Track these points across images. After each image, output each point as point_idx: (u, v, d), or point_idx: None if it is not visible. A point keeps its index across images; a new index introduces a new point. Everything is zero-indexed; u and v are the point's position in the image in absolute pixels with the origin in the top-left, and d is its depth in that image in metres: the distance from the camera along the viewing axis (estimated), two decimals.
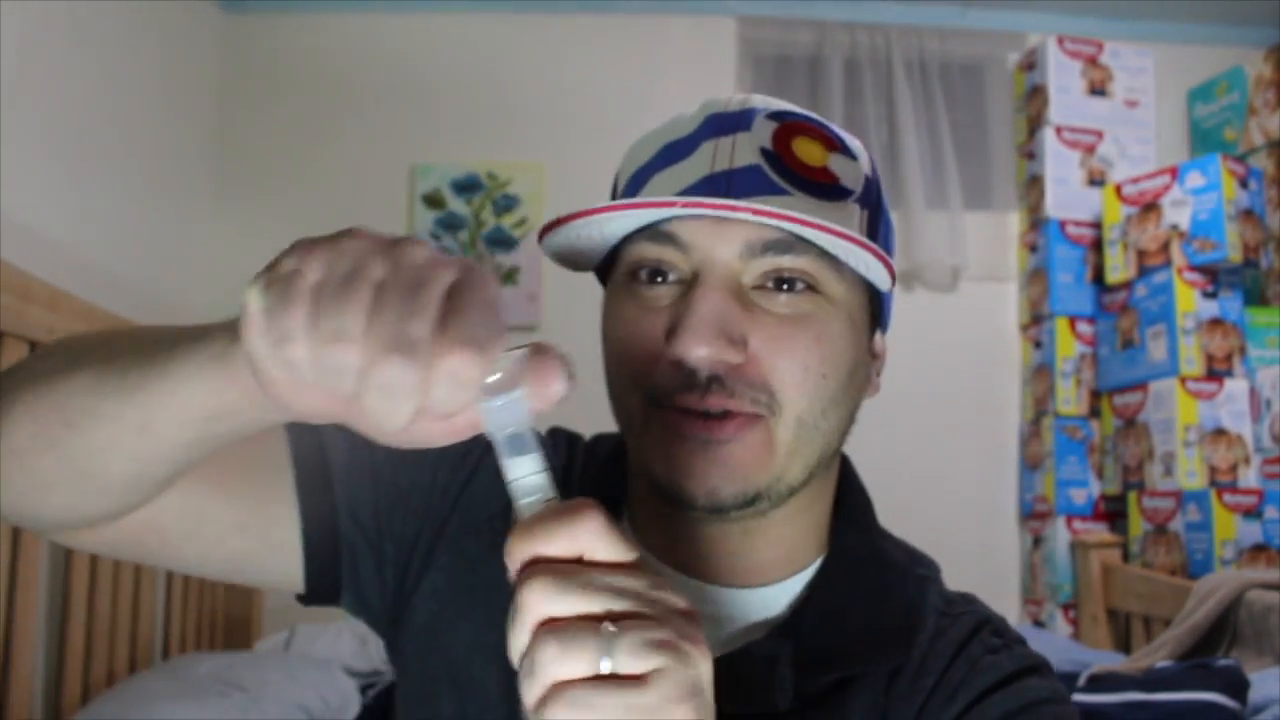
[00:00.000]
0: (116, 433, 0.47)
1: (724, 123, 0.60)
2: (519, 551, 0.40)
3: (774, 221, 0.54)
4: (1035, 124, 2.71)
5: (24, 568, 1.44)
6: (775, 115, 0.61)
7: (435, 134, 2.71)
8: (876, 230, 0.62)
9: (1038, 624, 2.56)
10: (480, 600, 0.63)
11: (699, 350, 0.54)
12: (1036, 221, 2.68)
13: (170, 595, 1.98)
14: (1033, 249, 2.70)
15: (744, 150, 0.58)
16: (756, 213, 0.54)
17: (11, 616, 1.41)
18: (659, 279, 0.59)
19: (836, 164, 0.60)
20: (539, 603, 0.38)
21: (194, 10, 2.54)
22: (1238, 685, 1.58)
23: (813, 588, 0.63)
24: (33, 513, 0.53)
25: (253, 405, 0.43)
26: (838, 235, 0.54)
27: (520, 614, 0.39)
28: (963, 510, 2.67)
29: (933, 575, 0.66)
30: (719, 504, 0.57)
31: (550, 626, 0.38)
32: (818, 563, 0.64)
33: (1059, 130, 2.64)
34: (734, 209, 0.54)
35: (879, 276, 0.60)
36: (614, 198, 0.64)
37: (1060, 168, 2.64)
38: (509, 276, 2.64)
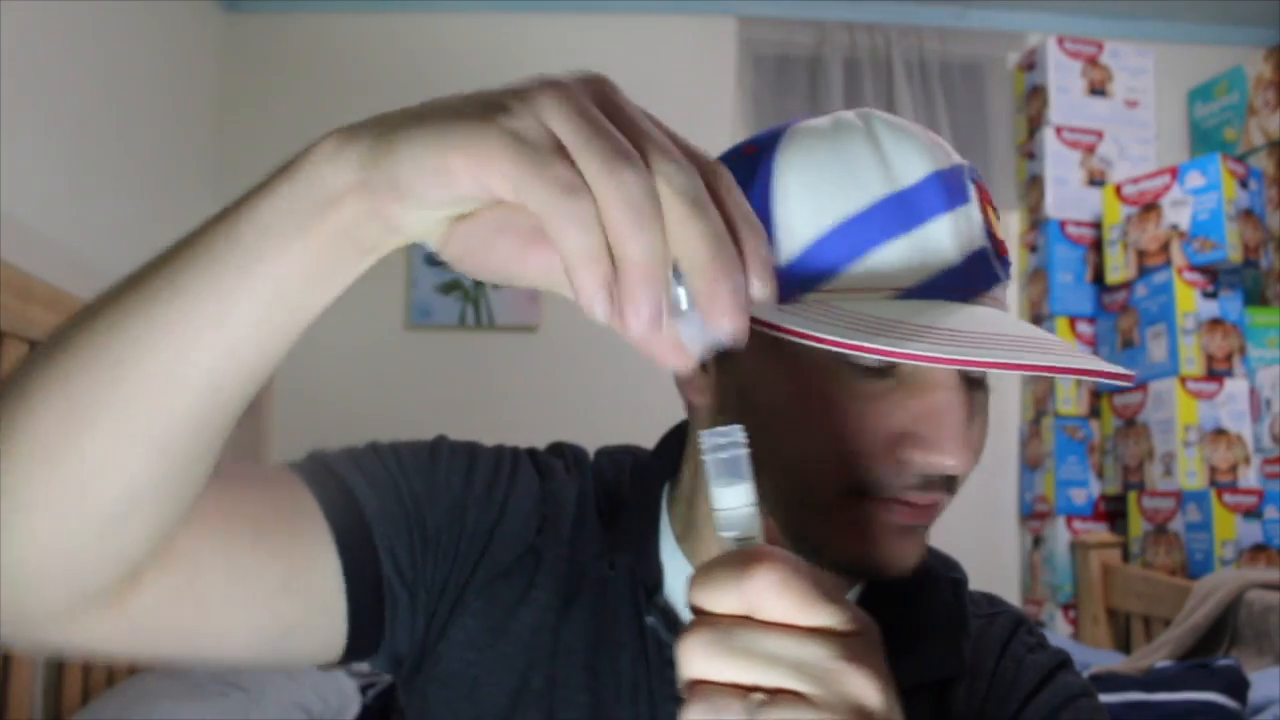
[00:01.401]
0: (185, 343, 0.39)
1: (951, 187, 0.54)
2: (690, 598, 0.37)
3: (1033, 375, 0.56)
4: (1035, 124, 2.71)
5: None
6: (971, 174, 0.57)
7: None
8: None
9: (1038, 624, 2.56)
10: (521, 645, 0.61)
11: (963, 464, 0.54)
12: (1036, 221, 2.69)
13: None
14: (1033, 249, 2.71)
15: (974, 229, 0.55)
16: (1037, 369, 0.49)
17: None
18: (882, 373, 0.54)
19: (1001, 227, 0.59)
20: (691, 662, 0.36)
21: (194, 10, 2.55)
22: (1238, 685, 1.58)
23: (858, 602, 0.63)
24: (62, 554, 0.42)
25: (363, 246, 0.39)
26: (1087, 374, 0.50)
27: (680, 668, 0.37)
28: (963, 510, 2.64)
29: (963, 577, 0.68)
30: (905, 576, 0.57)
31: (699, 689, 0.36)
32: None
33: (1059, 130, 2.64)
34: (1017, 367, 0.48)
35: None
36: (844, 236, 0.57)
37: (1060, 168, 2.64)
38: None
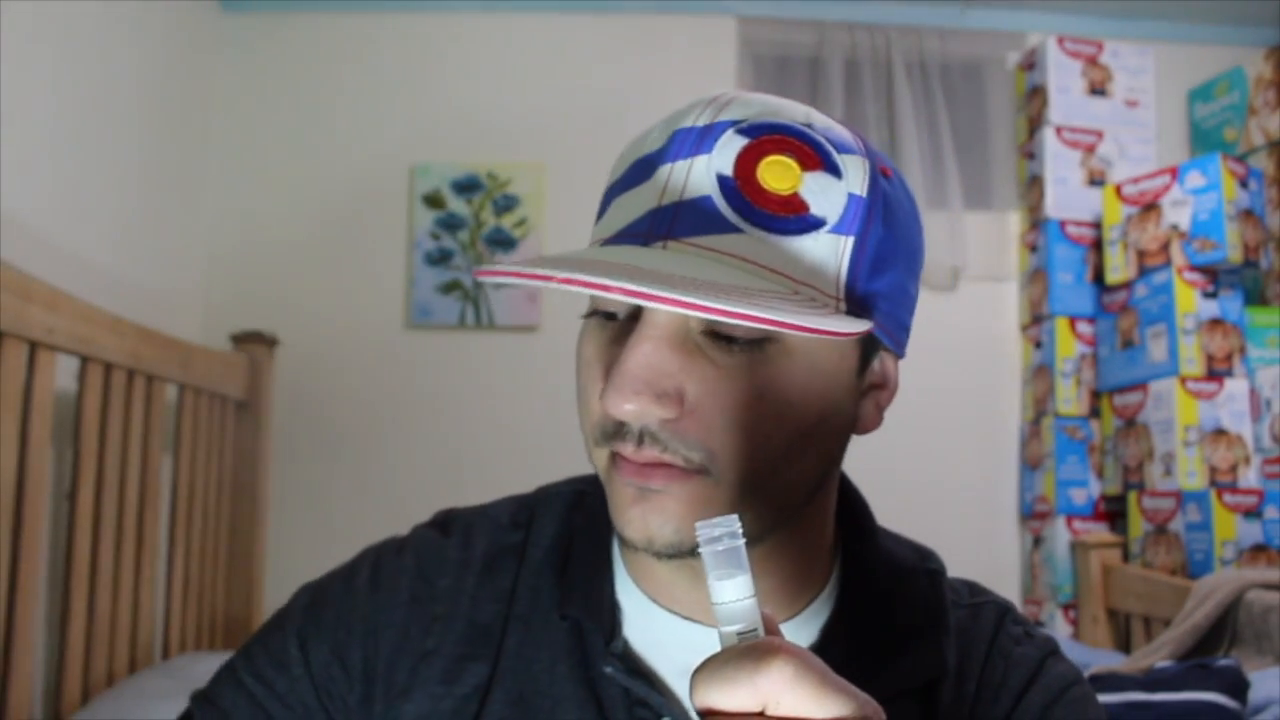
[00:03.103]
0: None
1: (685, 142, 0.54)
2: (696, 697, 0.36)
3: (674, 310, 0.46)
4: (1035, 124, 2.71)
5: (24, 567, 1.44)
6: (749, 129, 0.53)
7: (435, 134, 2.71)
8: (860, 261, 0.54)
9: (1038, 624, 2.56)
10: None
11: (623, 406, 0.50)
12: (1036, 221, 2.69)
13: (170, 595, 1.98)
14: (1033, 249, 2.71)
15: (699, 176, 0.53)
16: (637, 295, 0.45)
17: (11, 616, 1.41)
18: (611, 314, 0.55)
19: (812, 186, 0.53)
20: None
21: (194, 10, 2.55)
22: (1238, 685, 1.58)
23: (835, 612, 0.61)
24: None
25: None
26: (743, 318, 0.45)
27: None
28: (963, 510, 2.67)
29: (940, 568, 0.66)
30: (655, 551, 0.53)
31: None
32: (830, 586, 0.62)
33: (1059, 130, 2.64)
34: (617, 290, 0.45)
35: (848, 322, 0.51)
36: (602, 203, 0.60)
37: (1060, 168, 2.64)
38: None
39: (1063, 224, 2.62)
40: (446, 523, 0.68)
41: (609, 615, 0.60)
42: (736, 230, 0.51)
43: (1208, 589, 1.99)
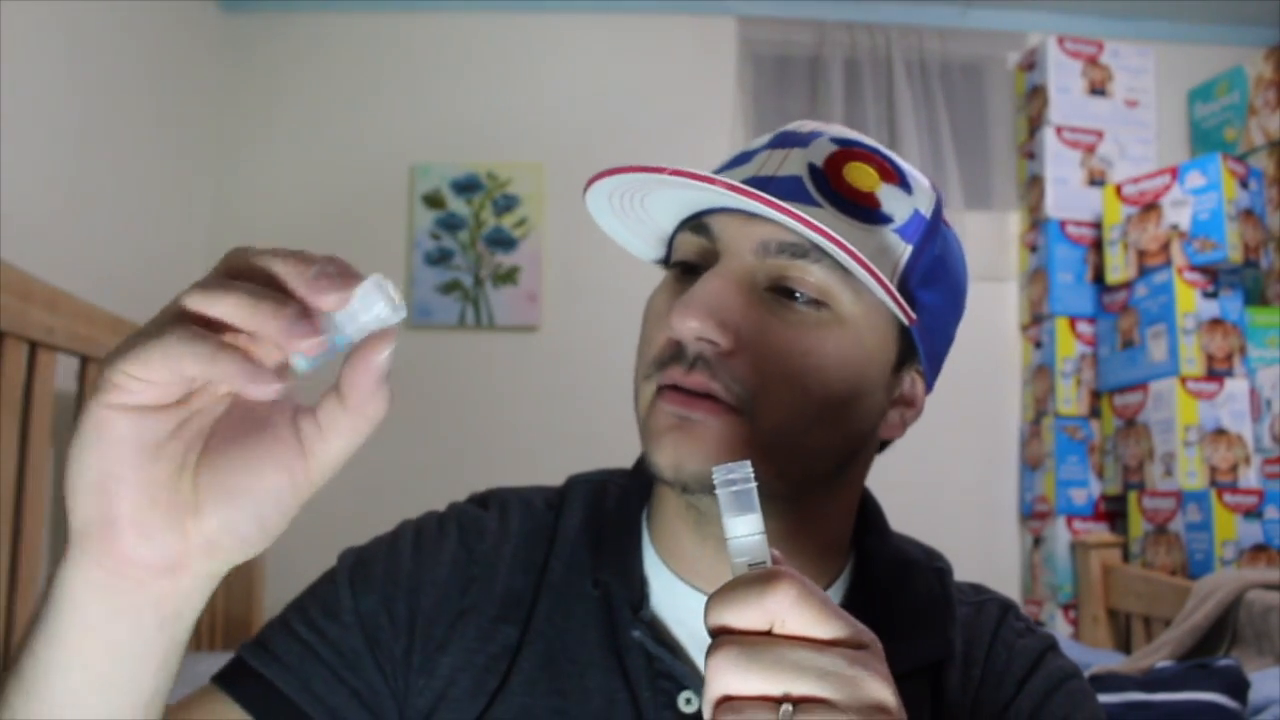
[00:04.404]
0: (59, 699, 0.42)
1: (787, 138, 0.63)
2: (710, 619, 0.40)
3: (779, 217, 0.54)
4: (1035, 124, 2.71)
5: (24, 568, 1.44)
6: (841, 141, 0.62)
7: (435, 134, 2.71)
8: (914, 268, 0.60)
9: (1038, 624, 2.56)
10: (464, 705, 0.62)
11: (688, 323, 0.55)
12: (1036, 221, 2.69)
13: None
14: (1033, 249, 2.70)
15: (793, 162, 0.61)
16: (750, 195, 0.53)
17: (11, 616, 1.41)
18: (694, 271, 0.61)
19: (886, 192, 0.60)
20: (719, 677, 0.38)
21: (193, 10, 2.55)
22: (1238, 685, 1.58)
23: (846, 596, 0.65)
24: None
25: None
26: (832, 240, 0.53)
27: (706, 687, 0.39)
28: (963, 510, 2.67)
29: (947, 566, 0.69)
30: (683, 480, 0.56)
31: (729, 704, 0.38)
32: (845, 574, 0.66)
33: (1059, 130, 2.64)
34: (736, 190, 0.53)
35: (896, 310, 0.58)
36: None
37: (1060, 168, 2.64)
38: (509, 276, 2.64)
39: (1063, 224, 2.62)
40: (485, 499, 0.72)
41: (638, 585, 0.64)
42: (818, 205, 0.59)
43: (1208, 589, 1.99)
